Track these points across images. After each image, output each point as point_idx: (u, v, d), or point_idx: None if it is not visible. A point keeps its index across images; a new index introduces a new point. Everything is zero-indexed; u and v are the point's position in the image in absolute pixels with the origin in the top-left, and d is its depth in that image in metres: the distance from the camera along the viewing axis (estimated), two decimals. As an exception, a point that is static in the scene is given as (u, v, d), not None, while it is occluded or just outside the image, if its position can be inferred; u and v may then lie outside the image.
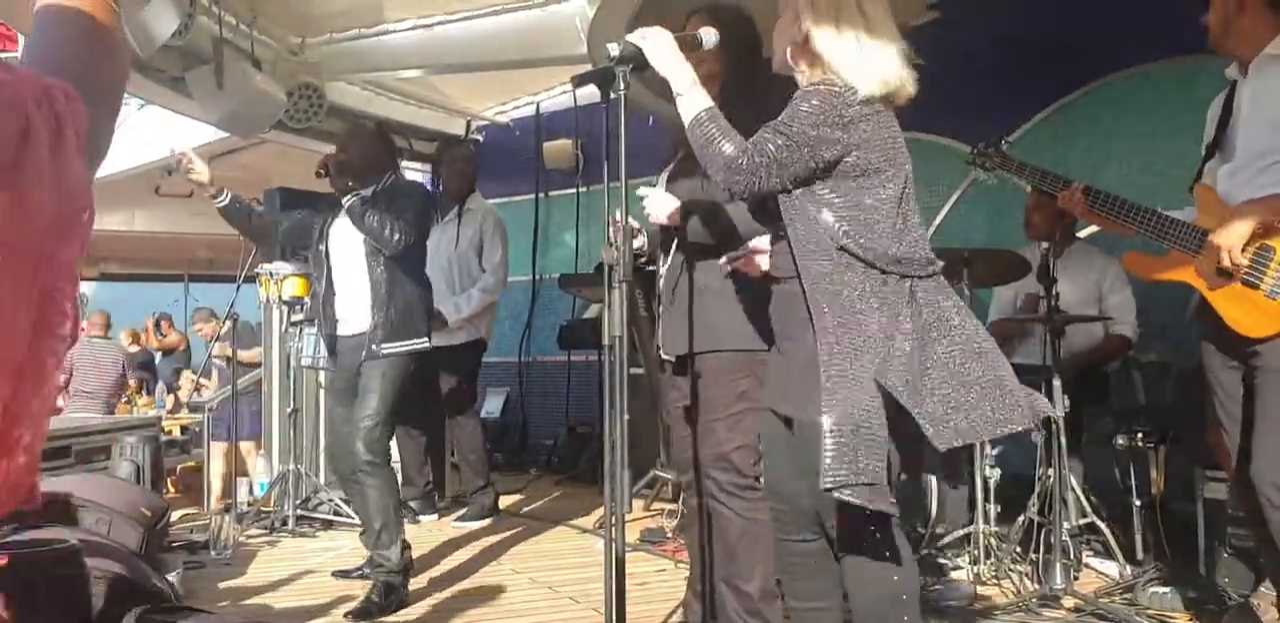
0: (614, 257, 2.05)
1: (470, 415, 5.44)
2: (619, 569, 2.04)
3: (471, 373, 5.52)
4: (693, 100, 2.15)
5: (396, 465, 5.41)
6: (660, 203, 2.63)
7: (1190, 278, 2.84)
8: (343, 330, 3.91)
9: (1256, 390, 2.71)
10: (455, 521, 5.19)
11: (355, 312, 3.86)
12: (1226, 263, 2.67)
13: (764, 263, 2.42)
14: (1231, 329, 2.72)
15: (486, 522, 5.17)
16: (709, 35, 2.28)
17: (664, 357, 2.80)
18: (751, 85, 2.49)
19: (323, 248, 3.97)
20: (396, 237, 3.73)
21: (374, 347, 3.75)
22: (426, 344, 3.89)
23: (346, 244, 3.89)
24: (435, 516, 5.34)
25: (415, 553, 4.17)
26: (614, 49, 2.13)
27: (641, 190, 2.63)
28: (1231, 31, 2.80)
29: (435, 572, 4.12)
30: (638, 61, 2.18)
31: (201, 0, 4.90)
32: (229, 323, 5.32)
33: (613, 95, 2.15)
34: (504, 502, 5.80)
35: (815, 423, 2.02)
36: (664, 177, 2.84)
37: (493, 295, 5.51)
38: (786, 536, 2.27)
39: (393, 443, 5.39)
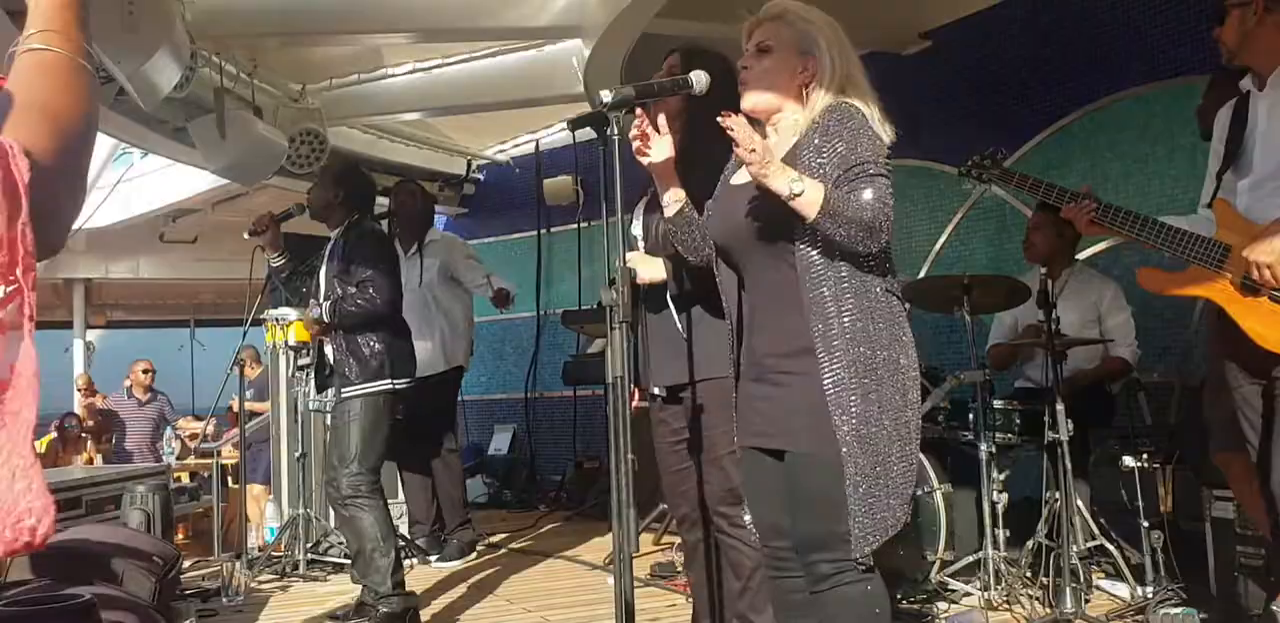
0: (613, 297, 2.08)
1: (450, 449, 5.40)
2: (628, 610, 2.05)
3: (451, 402, 5.53)
4: (809, 199, 2.02)
5: (404, 505, 5.44)
6: (647, 266, 2.68)
7: (1212, 293, 2.80)
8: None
9: (1277, 404, 2.71)
10: (436, 561, 5.13)
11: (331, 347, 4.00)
12: (1270, 279, 2.64)
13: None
14: (1255, 344, 2.70)
15: (466, 560, 5.14)
16: (699, 78, 2.32)
17: (654, 390, 2.82)
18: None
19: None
20: (373, 305, 3.84)
21: (342, 390, 3.86)
22: (389, 386, 3.88)
23: (323, 286, 4.04)
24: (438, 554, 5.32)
25: (422, 591, 4.17)
26: (607, 95, 2.17)
27: (629, 256, 2.67)
28: (1249, 44, 2.80)
29: (444, 611, 4.11)
30: (630, 106, 2.23)
31: (202, 52, 4.98)
32: (236, 369, 5.34)
33: (608, 133, 2.18)
34: (513, 539, 5.80)
35: (812, 455, 2.05)
36: (639, 210, 2.88)
37: (506, 285, 5.50)
38: (783, 574, 2.26)
39: (398, 484, 5.43)
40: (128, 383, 9.12)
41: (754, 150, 2.00)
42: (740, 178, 2.28)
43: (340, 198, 4.04)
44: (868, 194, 2.03)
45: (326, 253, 4.08)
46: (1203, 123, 3.85)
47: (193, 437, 8.35)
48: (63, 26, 1.11)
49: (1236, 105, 2.89)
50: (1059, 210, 4.37)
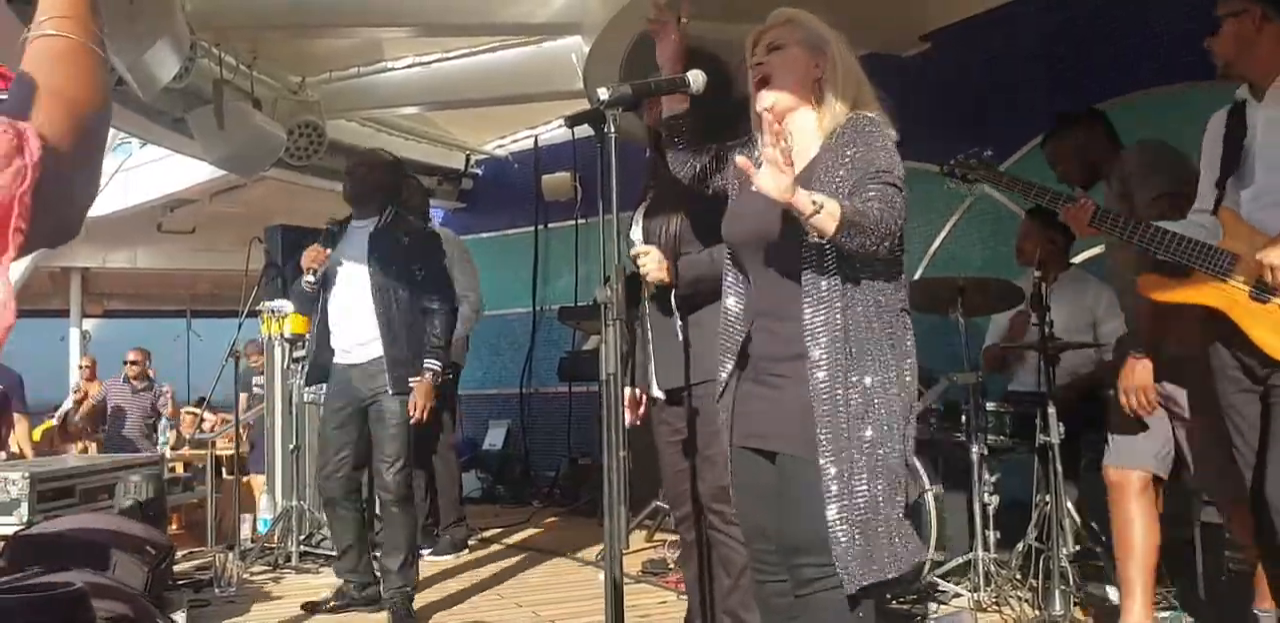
0: (607, 295, 2.08)
1: (447, 446, 5.39)
2: (619, 604, 2.05)
3: (446, 399, 5.50)
4: (829, 211, 1.94)
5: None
6: (655, 262, 2.68)
7: (1216, 300, 2.74)
8: (348, 359, 3.95)
9: (1273, 411, 2.66)
10: (429, 555, 5.13)
11: (359, 340, 3.91)
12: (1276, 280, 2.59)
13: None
14: (1258, 351, 2.65)
15: (459, 555, 5.17)
16: (695, 77, 2.33)
17: (655, 393, 2.83)
18: (719, 123, 2.53)
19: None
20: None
21: (396, 383, 3.83)
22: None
23: (352, 274, 3.93)
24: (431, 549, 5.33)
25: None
26: (604, 93, 2.17)
27: (636, 249, 2.69)
28: (1247, 54, 2.75)
29: (436, 605, 4.12)
30: (627, 104, 2.23)
31: (202, 43, 4.98)
32: (231, 360, 5.34)
33: (605, 131, 2.18)
34: (505, 534, 5.81)
35: (803, 459, 2.06)
36: (640, 213, 2.89)
37: (470, 320, 5.51)
38: (767, 577, 2.25)
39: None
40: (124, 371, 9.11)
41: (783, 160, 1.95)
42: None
43: (388, 186, 4.07)
44: (876, 198, 2.00)
45: (353, 240, 4.00)
46: (1056, 166, 3.93)
47: (192, 423, 8.34)
48: (75, 12, 1.10)
49: (1231, 114, 2.84)
50: (1046, 217, 4.42)
